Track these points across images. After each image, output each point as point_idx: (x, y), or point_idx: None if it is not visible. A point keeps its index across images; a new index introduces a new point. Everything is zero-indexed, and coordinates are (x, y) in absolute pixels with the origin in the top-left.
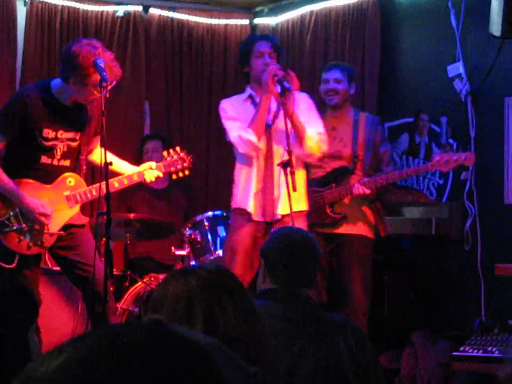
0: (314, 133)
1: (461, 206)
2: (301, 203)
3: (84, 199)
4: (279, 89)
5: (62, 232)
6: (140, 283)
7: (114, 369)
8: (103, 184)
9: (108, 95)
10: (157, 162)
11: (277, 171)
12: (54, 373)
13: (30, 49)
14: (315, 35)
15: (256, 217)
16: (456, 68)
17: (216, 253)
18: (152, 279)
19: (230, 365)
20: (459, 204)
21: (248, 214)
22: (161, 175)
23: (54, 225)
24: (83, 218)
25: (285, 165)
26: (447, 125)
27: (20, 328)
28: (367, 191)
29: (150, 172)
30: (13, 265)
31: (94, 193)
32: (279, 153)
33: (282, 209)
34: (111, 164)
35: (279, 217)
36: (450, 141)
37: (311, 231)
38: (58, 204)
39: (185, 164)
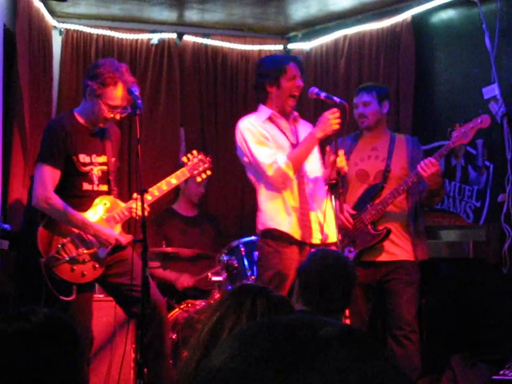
0: None
1: (499, 229)
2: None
3: (123, 217)
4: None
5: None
6: (177, 309)
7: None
8: (137, 203)
9: (118, 118)
10: (193, 190)
11: (309, 189)
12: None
13: (66, 78)
14: (349, 59)
15: (300, 238)
16: (492, 90)
17: (253, 278)
18: (189, 305)
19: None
20: (496, 227)
21: (291, 238)
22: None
23: (102, 249)
24: (127, 237)
25: (333, 185)
26: (483, 147)
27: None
28: (432, 160)
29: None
30: (73, 297)
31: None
32: (310, 172)
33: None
34: (146, 190)
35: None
36: (487, 163)
37: (359, 262)
38: None
39: (206, 165)
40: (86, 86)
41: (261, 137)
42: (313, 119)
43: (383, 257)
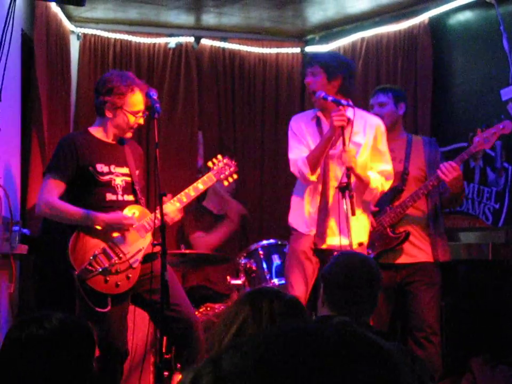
0: (378, 180)
1: None
2: (362, 234)
3: (152, 226)
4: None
5: (142, 247)
6: (196, 313)
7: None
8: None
9: (143, 122)
10: (223, 186)
11: (333, 197)
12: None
13: (84, 82)
14: (367, 62)
15: (312, 237)
16: (510, 91)
17: (272, 281)
18: (208, 308)
19: (407, 368)
20: None
21: (303, 235)
22: (179, 205)
23: (134, 258)
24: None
25: (344, 188)
26: (501, 149)
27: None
28: (453, 164)
29: (169, 206)
30: (108, 309)
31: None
32: (336, 178)
33: (339, 240)
34: (165, 194)
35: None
36: (505, 164)
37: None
38: (131, 236)
39: (232, 169)
40: (102, 103)
41: (297, 133)
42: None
43: (402, 260)
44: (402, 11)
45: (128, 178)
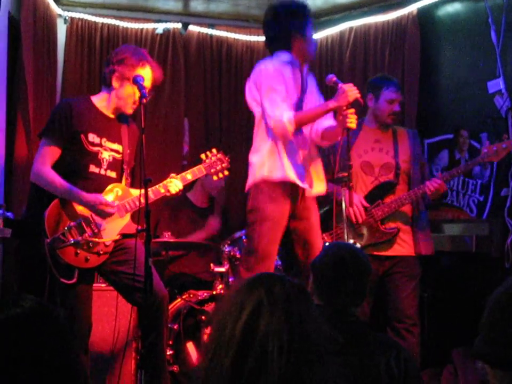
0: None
1: (502, 223)
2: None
3: (133, 207)
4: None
5: (118, 237)
6: (179, 300)
7: None
8: (149, 192)
9: (145, 101)
10: (213, 183)
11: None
12: None
13: (70, 66)
14: (354, 51)
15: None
16: (497, 84)
17: None
18: (191, 295)
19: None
20: (499, 221)
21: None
22: (181, 186)
23: (109, 235)
24: (134, 227)
25: (341, 180)
26: (487, 141)
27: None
28: (440, 182)
29: (173, 182)
30: (74, 281)
31: (142, 200)
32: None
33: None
34: (150, 180)
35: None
36: None
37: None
38: None
39: (224, 165)
40: (111, 71)
41: (281, 86)
42: None
43: (387, 252)
44: (391, 1)
45: (118, 156)
